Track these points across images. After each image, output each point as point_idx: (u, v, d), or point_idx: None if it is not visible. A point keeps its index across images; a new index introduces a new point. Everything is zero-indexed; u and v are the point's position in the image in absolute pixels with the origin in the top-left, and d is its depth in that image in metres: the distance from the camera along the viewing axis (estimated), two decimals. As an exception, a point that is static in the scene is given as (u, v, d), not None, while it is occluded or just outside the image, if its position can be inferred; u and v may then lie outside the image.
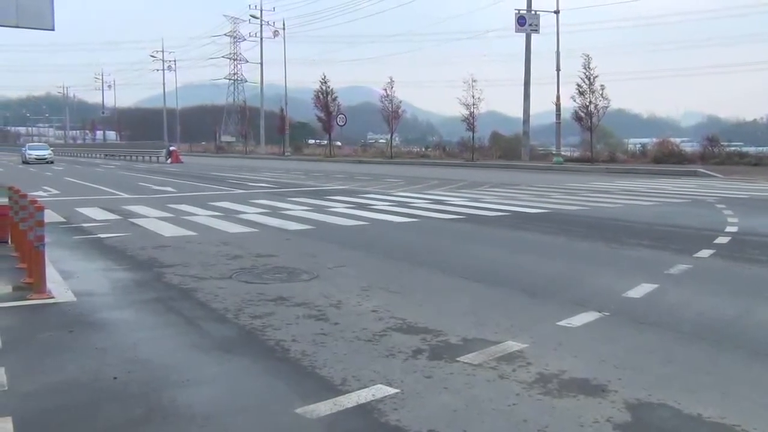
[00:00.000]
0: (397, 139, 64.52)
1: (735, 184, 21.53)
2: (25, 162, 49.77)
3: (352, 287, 6.89)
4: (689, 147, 39.93)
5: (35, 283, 6.54)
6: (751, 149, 37.22)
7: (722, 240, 9.72)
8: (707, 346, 4.94)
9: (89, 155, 72.28)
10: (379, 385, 4.08)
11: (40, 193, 19.68)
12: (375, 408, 3.78)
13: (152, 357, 4.72)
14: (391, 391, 4.00)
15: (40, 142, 76.80)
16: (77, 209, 14.82)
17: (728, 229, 10.85)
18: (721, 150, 34.50)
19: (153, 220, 12.82)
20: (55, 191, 20.96)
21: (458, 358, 4.59)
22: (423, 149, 62.73)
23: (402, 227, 11.89)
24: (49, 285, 6.66)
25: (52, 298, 6.42)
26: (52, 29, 12.09)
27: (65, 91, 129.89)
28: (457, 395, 3.97)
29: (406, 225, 12.15)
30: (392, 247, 9.71)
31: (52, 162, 49.87)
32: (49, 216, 13.41)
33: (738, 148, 37.40)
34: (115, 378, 4.26)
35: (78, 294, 6.63)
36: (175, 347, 5.01)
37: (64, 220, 13.00)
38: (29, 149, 53.80)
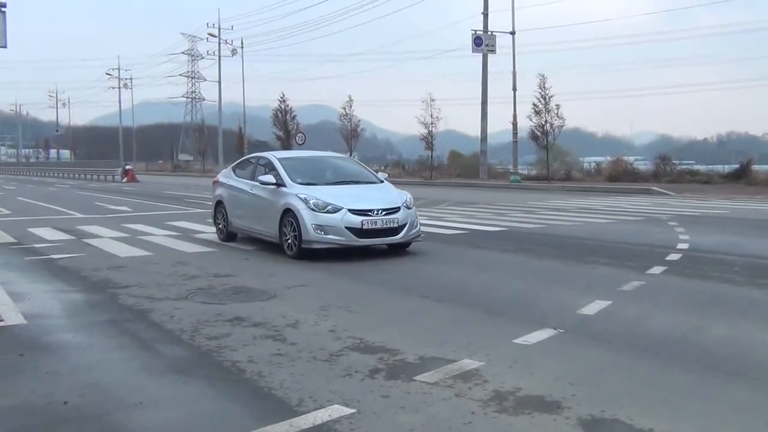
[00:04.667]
0: (356, 157, 64.62)
1: (687, 201, 22.02)
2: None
3: (311, 307, 6.86)
4: (642, 165, 40.72)
5: (-16, 305, 6.38)
6: (702, 167, 38.04)
7: (674, 257, 9.93)
8: (660, 361, 5.03)
9: (43, 174, 70.67)
10: (336, 405, 4.07)
11: (-9, 213, 19.23)
12: (332, 428, 3.76)
13: (105, 380, 4.64)
14: (348, 411, 3.99)
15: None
16: (29, 229, 14.51)
17: (680, 246, 11.08)
18: (673, 168, 35.27)
19: (107, 240, 12.62)
20: (6, 211, 20.49)
21: (415, 377, 4.60)
22: (382, 168, 62.99)
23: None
24: (-1, 307, 6.51)
25: (2, 321, 6.27)
26: (5, 46, 11.88)
27: (18, 109, 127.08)
28: (414, 414, 3.97)
29: (365, 244, 12.11)
30: (351, 266, 9.68)
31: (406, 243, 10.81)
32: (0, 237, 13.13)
33: (689, 167, 38.26)
34: (66, 402, 4.17)
35: (29, 316, 6.48)
36: (129, 369, 4.93)
37: (15, 240, 12.71)
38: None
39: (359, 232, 10.03)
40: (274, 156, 12.07)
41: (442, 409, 4.04)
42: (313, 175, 11.34)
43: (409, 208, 10.66)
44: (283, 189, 10.75)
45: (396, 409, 4.06)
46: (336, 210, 10.05)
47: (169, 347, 5.50)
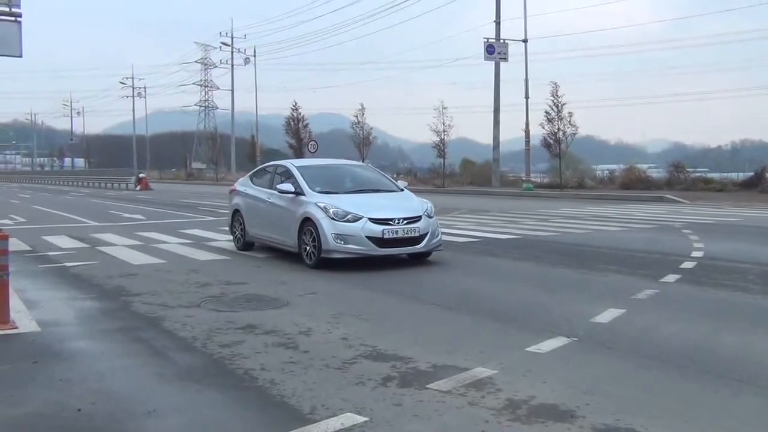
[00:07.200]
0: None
1: (700, 209, 21.87)
2: None
3: (323, 315, 6.86)
4: (656, 173, 40.51)
5: (-2, 313, 6.41)
6: (716, 175, 37.83)
7: (688, 265, 9.86)
8: (674, 370, 4.99)
9: (58, 183, 71.08)
10: (349, 414, 4.06)
11: (6, 221, 19.39)
12: (344, 437, 3.75)
13: (118, 388, 4.65)
14: (361, 419, 3.98)
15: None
16: (44, 237, 14.61)
17: (694, 254, 11.01)
18: (687, 176, 35.08)
19: (121, 248, 12.68)
20: (22, 219, 20.66)
21: (428, 385, 4.58)
22: (394, 176, 63.01)
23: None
24: (13, 315, 6.54)
25: (16, 328, 6.30)
26: (20, 56, 11.97)
27: (33, 118, 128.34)
28: (426, 423, 3.96)
29: (377, 252, 12.09)
30: (363, 275, 9.67)
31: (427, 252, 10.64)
32: (15, 244, 13.21)
33: (703, 174, 38.06)
34: (79, 410, 4.18)
35: (42, 324, 6.52)
36: (142, 377, 4.94)
37: (29, 248, 12.81)
38: None
39: (380, 241, 9.82)
40: (293, 164, 11.87)
41: (455, 418, 4.02)
42: (332, 183, 11.11)
43: (430, 216, 10.42)
44: (302, 197, 10.53)
45: (409, 417, 4.04)
46: (356, 219, 9.84)
47: (182, 355, 5.51)
